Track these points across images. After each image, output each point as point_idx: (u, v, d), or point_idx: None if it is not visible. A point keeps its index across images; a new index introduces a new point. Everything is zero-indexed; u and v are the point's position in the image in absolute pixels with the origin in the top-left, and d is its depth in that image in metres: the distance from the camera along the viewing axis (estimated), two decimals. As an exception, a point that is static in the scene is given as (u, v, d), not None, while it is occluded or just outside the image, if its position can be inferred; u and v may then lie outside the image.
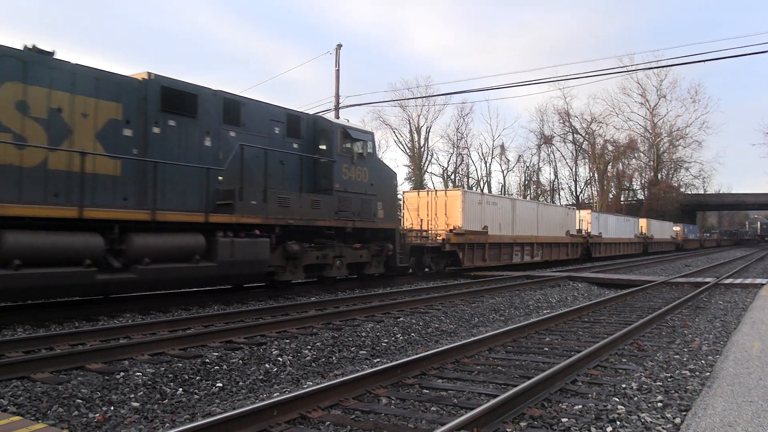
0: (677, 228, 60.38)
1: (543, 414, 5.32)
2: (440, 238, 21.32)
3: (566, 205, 50.06)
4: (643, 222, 48.48)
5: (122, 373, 6.66)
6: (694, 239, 67.63)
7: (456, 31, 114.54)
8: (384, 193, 17.37)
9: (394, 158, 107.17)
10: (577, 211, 36.38)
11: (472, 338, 8.55)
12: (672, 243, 56.46)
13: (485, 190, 62.28)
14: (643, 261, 35.30)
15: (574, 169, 69.58)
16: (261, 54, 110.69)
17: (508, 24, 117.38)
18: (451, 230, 21.80)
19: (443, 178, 61.95)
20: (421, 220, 22.85)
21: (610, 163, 66.28)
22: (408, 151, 61.30)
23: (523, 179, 68.83)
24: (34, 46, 10.20)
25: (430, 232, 21.93)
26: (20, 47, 10.08)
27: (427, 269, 21.21)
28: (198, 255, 11.90)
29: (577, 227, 34.57)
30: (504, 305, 13.85)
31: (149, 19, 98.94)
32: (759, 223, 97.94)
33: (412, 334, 10.16)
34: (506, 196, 47.46)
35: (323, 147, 15.64)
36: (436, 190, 25.23)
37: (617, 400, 5.73)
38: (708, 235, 79.25)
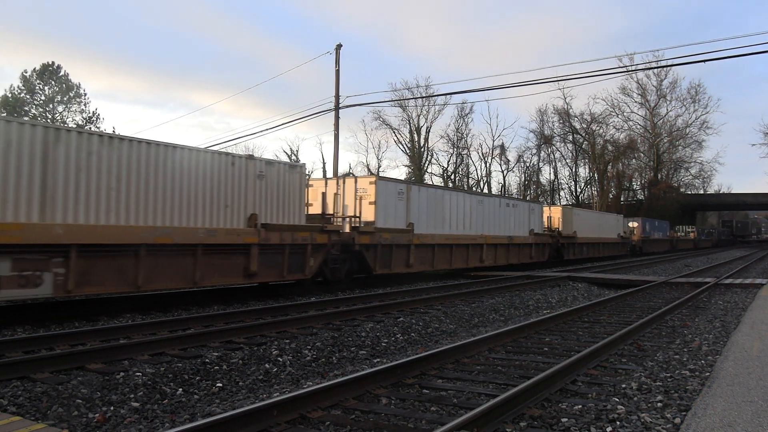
0: (634, 224, 45.87)
1: (543, 414, 5.32)
2: None
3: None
4: (555, 212, 31.50)
5: (122, 373, 6.66)
6: (662, 239, 52.76)
7: (455, 31, 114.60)
8: None
9: (395, 158, 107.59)
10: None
11: (472, 338, 8.55)
12: (621, 245, 40.76)
13: (484, 190, 61.94)
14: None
15: (574, 170, 69.55)
16: (261, 54, 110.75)
17: (507, 24, 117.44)
18: None
19: (443, 179, 61.90)
20: None
21: (610, 163, 66.19)
22: (408, 151, 61.27)
23: (523, 179, 68.79)
24: None
25: None
26: None
27: None
28: None
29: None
30: (504, 305, 13.85)
31: (147, 18, 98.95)
32: (734, 222, 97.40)
33: (412, 334, 10.16)
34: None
35: None
36: None
37: (617, 400, 5.74)
38: (682, 234, 63.40)
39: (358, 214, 17.36)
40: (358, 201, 17.68)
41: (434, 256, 20.02)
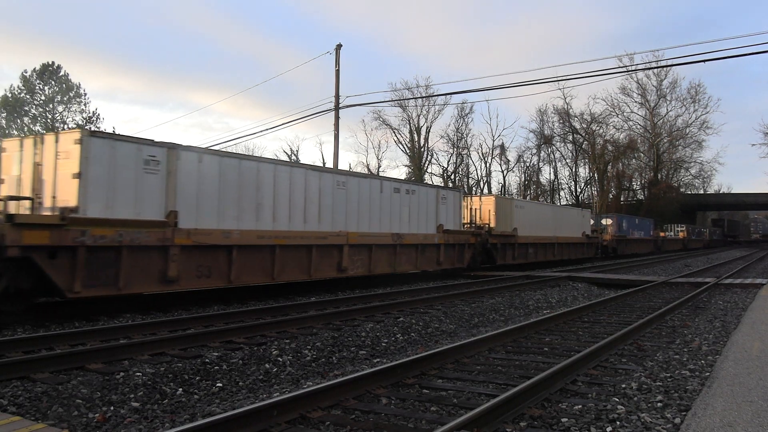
0: (608, 221, 40.00)
1: (543, 414, 5.32)
2: None
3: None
4: (486, 203, 24.67)
5: (122, 373, 6.66)
6: (643, 239, 46.05)
7: (455, 31, 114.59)
8: None
9: (395, 158, 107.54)
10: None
11: (472, 338, 8.55)
12: (587, 246, 34.47)
13: (485, 191, 62.09)
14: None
15: (574, 170, 69.54)
16: (260, 54, 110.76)
17: (507, 24, 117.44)
18: None
19: (443, 178, 61.90)
20: None
21: (610, 163, 66.19)
22: (408, 151, 61.27)
23: (523, 179, 68.79)
24: None
25: None
26: None
27: None
28: None
29: None
30: (504, 305, 13.85)
31: (147, 18, 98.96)
32: (726, 221, 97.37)
33: (412, 334, 10.16)
34: None
35: None
36: None
37: (617, 400, 5.74)
38: (671, 234, 58.21)
39: (46, 193, 10.67)
40: (54, 172, 10.67)
41: (231, 263, 12.79)
